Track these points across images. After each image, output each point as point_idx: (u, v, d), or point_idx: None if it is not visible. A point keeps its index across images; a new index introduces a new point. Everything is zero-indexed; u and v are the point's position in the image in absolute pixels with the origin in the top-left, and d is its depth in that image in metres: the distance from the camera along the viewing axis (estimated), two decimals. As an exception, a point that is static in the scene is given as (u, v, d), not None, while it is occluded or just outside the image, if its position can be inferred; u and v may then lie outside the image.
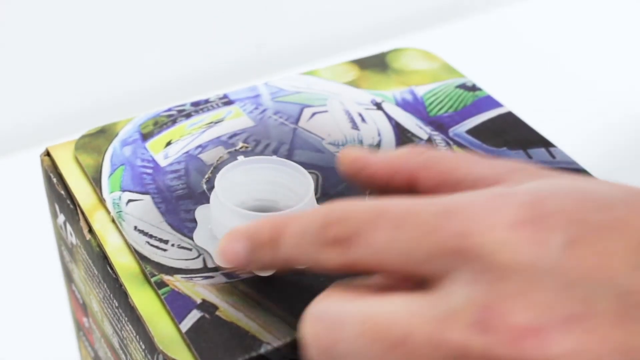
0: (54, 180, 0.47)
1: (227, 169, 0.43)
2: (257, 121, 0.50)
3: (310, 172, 0.46)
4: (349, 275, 0.35)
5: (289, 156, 0.48)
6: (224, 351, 0.37)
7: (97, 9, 0.92)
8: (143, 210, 0.44)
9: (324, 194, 0.45)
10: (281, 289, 0.40)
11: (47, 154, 0.49)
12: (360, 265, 0.33)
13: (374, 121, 0.51)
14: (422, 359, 0.30)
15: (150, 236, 0.42)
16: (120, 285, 0.41)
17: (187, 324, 0.38)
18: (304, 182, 0.42)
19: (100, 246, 0.43)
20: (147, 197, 0.45)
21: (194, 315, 0.39)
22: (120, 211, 0.44)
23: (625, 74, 0.99)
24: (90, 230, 0.44)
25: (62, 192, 0.47)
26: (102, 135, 0.50)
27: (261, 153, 0.48)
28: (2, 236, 0.77)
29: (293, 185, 0.43)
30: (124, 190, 0.45)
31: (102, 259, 0.43)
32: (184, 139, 0.49)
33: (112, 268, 0.42)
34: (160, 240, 0.42)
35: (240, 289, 0.40)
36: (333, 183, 0.46)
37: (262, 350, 0.37)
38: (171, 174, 0.47)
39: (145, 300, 0.40)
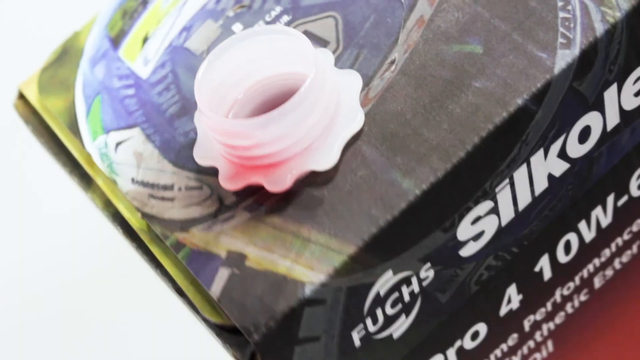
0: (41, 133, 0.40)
1: (214, 55, 0.35)
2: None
3: (327, 17, 0.38)
4: None
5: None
6: (262, 309, 0.33)
7: None
8: (135, 152, 0.38)
9: (348, 41, 0.37)
10: (310, 208, 0.35)
11: (21, 96, 0.41)
12: None
13: None
14: None
15: (152, 186, 0.37)
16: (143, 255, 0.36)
17: (216, 289, 0.34)
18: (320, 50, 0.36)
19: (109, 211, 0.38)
20: (136, 131, 0.38)
21: (222, 275, 0.34)
22: (111, 163, 0.38)
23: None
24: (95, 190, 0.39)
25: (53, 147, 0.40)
26: (65, 59, 0.40)
27: (261, 11, 0.39)
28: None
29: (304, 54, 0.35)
30: (108, 132, 0.38)
31: (118, 224, 0.37)
32: (162, 27, 0.40)
33: (132, 236, 0.37)
34: (165, 187, 0.37)
35: (268, 222, 0.35)
36: (358, 22, 0.37)
37: (307, 292, 0.33)
38: (157, 86, 0.39)
39: (173, 271, 0.35)
